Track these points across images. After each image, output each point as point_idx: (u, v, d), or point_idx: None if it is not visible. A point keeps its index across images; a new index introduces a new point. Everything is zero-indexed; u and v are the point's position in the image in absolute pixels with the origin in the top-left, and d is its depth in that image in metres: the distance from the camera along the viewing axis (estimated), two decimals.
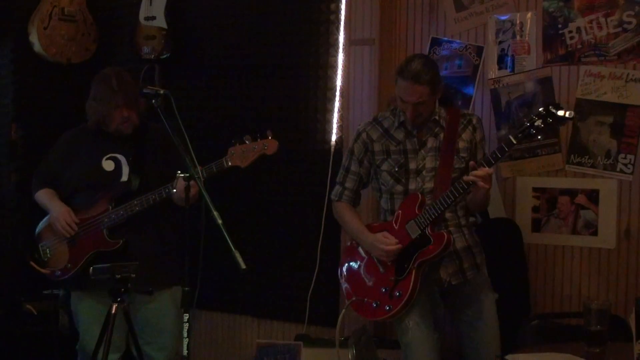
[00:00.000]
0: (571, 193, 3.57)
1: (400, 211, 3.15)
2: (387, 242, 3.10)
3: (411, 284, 3.07)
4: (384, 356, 3.46)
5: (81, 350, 3.49)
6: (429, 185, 3.11)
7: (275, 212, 4.30)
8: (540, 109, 2.83)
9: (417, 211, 3.07)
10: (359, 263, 3.28)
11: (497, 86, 3.73)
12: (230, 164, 3.23)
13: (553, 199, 3.64)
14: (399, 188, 3.16)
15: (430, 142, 3.13)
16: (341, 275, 3.38)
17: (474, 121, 3.16)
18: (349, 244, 3.39)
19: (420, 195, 3.09)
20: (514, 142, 2.86)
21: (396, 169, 3.15)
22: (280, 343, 4.03)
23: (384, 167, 3.17)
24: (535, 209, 3.67)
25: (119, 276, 3.05)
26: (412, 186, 3.13)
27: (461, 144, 3.12)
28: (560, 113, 2.79)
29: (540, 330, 3.18)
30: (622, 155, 3.48)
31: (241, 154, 3.23)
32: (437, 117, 3.13)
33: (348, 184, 3.30)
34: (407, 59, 3.09)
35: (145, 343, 3.40)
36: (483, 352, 3.16)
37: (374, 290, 3.19)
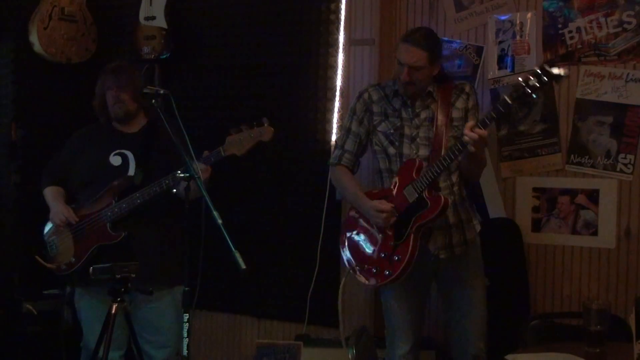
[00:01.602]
0: (571, 193, 3.58)
1: (398, 177, 3.19)
2: (383, 209, 3.13)
3: (410, 247, 3.10)
4: (384, 356, 3.46)
5: (85, 348, 3.51)
6: (423, 152, 3.16)
7: (275, 212, 4.30)
8: (535, 68, 2.84)
9: (414, 175, 3.11)
10: (359, 233, 3.31)
11: (497, 86, 3.73)
12: (227, 152, 3.25)
13: (553, 199, 3.64)
14: (392, 150, 3.21)
15: (424, 114, 3.19)
16: (342, 244, 3.41)
17: (467, 89, 3.21)
18: (350, 214, 3.39)
19: (418, 161, 3.13)
20: (509, 102, 2.85)
21: (392, 131, 3.21)
22: (280, 343, 4.03)
23: (381, 127, 3.24)
24: (535, 209, 3.67)
25: (119, 276, 3.05)
26: (405, 151, 3.18)
27: (455, 113, 3.17)
28: (555, 71, 2.79)
29: (540, 330, 3.18)
30: (622, 155, 3.48)
31: (238, 142, 3.24)
32: (431, 90, 3.19)
33: (348, 146, 3.33)
34: (413, 28, 3.26)
35: (145, 342, 3.41)
36: (468, 338, 3.20)
37: (374, 257, 3.22)
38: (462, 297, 3.21)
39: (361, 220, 3.29)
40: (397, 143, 3.20)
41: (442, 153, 3.05)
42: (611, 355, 2.67)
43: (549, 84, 2.84)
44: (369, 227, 3.26)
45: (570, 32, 3.57)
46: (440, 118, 3.15)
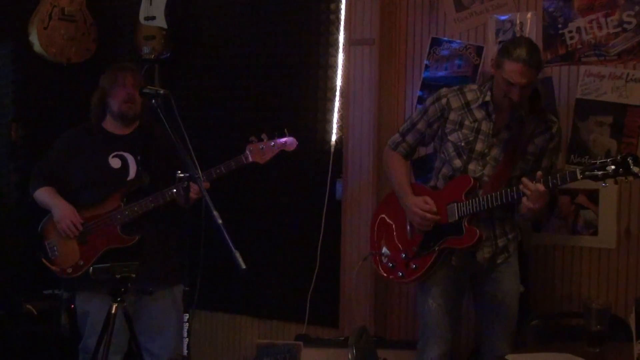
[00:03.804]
0: (571, 193, 3.57)
1: (447, 188, 3.15)
2: (427, 209, 3.12)
3: (429, 263, 3.12)
4: (384, 356, 3.46)
5: (84, 351, 3.49)
6: (488, 172, 3.10)
7: (275, 212, 4.30)
8: (618, 157, 2.75)
9: (463, 197, 3.07)
10: (392, 217, 3.30)
11: None
12: (250, 160, 3.30)
13: (553, 199, 3.63)
14: (457, 163, 3.14)
15: (503, 134, 3.11)
16: (373, 223, 3.40)
17: (553, 130, 3.12)
18: (392, 196, 3.35)
19: (472, 180, 3.08)
20: (578, 177, 2.81)
21: (462, 144, 3.13)
22: (280, 343, 4.03)
23: (452, 137, 3.15)
24: None
25: (119, 276, 3.05)
26: (471, 166, 3.12)
27: (531, 148, 3.09)
28: (635, 169, 2.70)
29: (540, 330, 3.17)
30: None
31: (260, 151, 3.30)
32: (522, 114, 3.08)
33: (408, 138, 3.29)
34: (514, 41, 3.06)
35: (148, 340, 3.41)
36: (496, 341, 3.18)
37: (395, 251, 3.23)
38: (497, 301, 3.18)
39: (398, 209, 3.27)
40: (464, 157, 3.13)
41: (503, 183, 3.02)
42: (611, 355, 2.67)
43: (623, 177, 2.75)
44: (402, 220, 3.25)
45: (570, 32, 3.56)
46: (516, 145, 3.07)
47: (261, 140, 3.30)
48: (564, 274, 3.61)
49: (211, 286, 3.87)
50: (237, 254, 2.56)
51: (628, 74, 3.45)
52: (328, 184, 4.01)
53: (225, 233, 2.59)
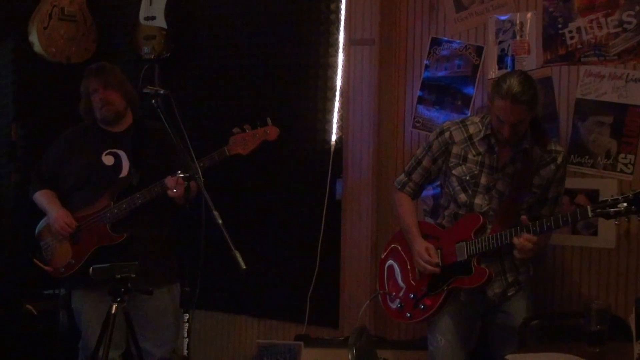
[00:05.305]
0: (571, 193, 3.57)
1: (456, 226, 3.13)
2: (428, 260, 3.11)
3: (438, 303, 3.11)
4: (384, 356, 3.46)
5: (83, 348, 3.51)
6: (494, 206, 3.07)
7: (275, 212, 4.30)
8: (630, 194, 2.74)
9: (472, 236, 3.05)
10: (401, 257, 3.29)
11: None
12: (232, 152, 3.28)
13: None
14: (463, 198, 3.12)
15: (508, 168, 3.07)
16: (384, 261, 3.38)
17: (559, 160, 3.09)
18: (400, 234, 3.35)
19: (482, 218, 3.05)
20: (590, 215, 2.79)
21: (467, 178, 3.10)
22: (280, 343, 4.03)
23: (456, 171, 3.13)
24: None
25: (119, 276, 3.05)
26: (477, 200, 3.09)
27: (537, 180, 3.06)
28: None
29: (540, 330, 3.17)
30: (622, 155, 3.47)
31: (242, 142, 3.29)
32: (527, 147, 3.04)
33: (415, 177, 3.27)
34: (505, 76, 2.95)
35: (144, 339, 3.42)
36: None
37: (403, 292, 3.22)
38: (508, 332, 3.15)
39: (407, 249, 3.26)
40: (469, 191, 3.10)
41: (511, 218, 2.99)
42: (611, 355, 2.67)
43: (635, 215, 2.75)
44: (411, 260, 3.23)
45: (570, 32, 3.56)
46: (522, 179, 3.03)
47: (244, 131, 3.28)
48: (564, 274, 3.61)
49: (211, 286, 3.88)
50: (237, 254, 2.57)
51: (628, 74, 3.44)
52: (328, 183, 4.01)
53: (225, 233, 2.60)
